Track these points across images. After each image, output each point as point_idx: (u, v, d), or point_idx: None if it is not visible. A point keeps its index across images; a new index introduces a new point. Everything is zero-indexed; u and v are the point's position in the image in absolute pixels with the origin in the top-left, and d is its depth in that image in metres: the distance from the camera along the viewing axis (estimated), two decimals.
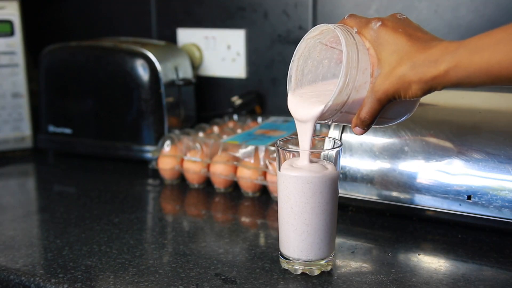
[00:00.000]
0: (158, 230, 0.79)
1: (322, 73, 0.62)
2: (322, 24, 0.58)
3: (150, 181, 1.00)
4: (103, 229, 0.78)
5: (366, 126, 0.57)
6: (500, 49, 0.47)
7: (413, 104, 0.60)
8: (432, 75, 0.51)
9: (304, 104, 0.59)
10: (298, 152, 0.63)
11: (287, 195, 0.62)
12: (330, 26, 0.57)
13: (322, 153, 0.64)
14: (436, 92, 0.82)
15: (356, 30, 0.57)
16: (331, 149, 0.63)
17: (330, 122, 0.60)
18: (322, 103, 0.56)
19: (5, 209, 0.87)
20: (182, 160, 0.95)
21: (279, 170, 0.63)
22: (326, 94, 0.58)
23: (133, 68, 1.04)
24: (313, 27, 0.59)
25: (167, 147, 0.98)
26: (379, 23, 0.55)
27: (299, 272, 0.64)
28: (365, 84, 0.55)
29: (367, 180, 0.77)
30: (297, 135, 0.63)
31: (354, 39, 0.55)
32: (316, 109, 0.57)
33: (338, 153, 0.63)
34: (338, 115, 0.58)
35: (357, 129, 0.58)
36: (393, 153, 0.76)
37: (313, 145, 0.62)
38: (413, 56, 0.52)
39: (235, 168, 0.91)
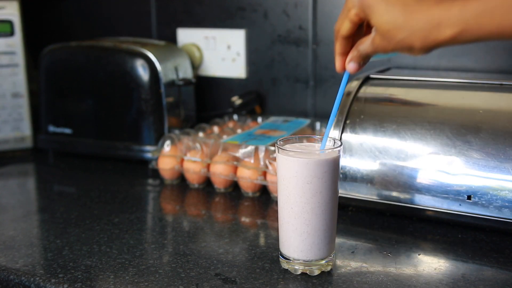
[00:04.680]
0: (158, 230, 0.79)
1: None
2: None
3: (150, 181, 1.00)
4: (103, 229, 0.78)
5: (362, 60, 0.57)
6: None
7: None
8: (436, 41, 0.48)
9: None
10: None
11: (287, 195, 0.62)
12: None
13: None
14: (436, 92, 0.83)
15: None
16: (331, 149, 0.63)
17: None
18: None
19: (5, 209, 0.87)
20: (182, 160, 0.95)
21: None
22: None
23: (133, 68, 1.04)
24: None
25: (167, 147, 0.98)
26: None
27: (299, 272, 0.64)
28: None
29: (367, 180, 0.77)
30: (296, 135, 0.64)
31: None
32: None
33: (338, 153, 0.63)
34: None
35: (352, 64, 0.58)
36: (393, 153, 0.76)
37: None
38: (410, 19, 0.49)
39: (235, 168, 0.91)
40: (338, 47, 0.59)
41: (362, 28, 0.58)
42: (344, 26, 0.56)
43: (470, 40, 0.47)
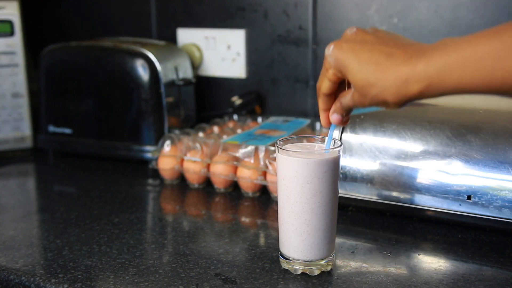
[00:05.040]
0: (158, 230, 0.79)
1: None
2: None
3: (150, 181, 1.00)
4: (103, 229, 0.78)
5: (345, 112, 0.59)
6: (469, 68, 0.46)
7: None
8: (406, 96, 0.50)
9: None
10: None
11: (287, 195, 0.62)
12: None
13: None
14: None
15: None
16: (331, 149, 0.63)
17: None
18: None
19: (5, 209, 0.87)
20: (182, 160, 0.96)
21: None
22: None
23: (133, 68, 1.04)
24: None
25: (167, 147, 0.98)
26: (332, 46, 0.55)
27: (299, 272, 0.64)
28: None
29: (367, 180, 0.77)
30: (296, 135, 0.64)
31: None
32: None
33: (338, 153, 0.63)
34: None
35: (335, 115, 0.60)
36: (393, 153, 0.76)
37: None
38: (381, 76, 0.51)
39: (235, 168, 0.91)
40: (321, 103, 0.61)
41: (344, 84, 0.59)
42: (324, 85, 0.59)
43: (437, 94, 0.49)
